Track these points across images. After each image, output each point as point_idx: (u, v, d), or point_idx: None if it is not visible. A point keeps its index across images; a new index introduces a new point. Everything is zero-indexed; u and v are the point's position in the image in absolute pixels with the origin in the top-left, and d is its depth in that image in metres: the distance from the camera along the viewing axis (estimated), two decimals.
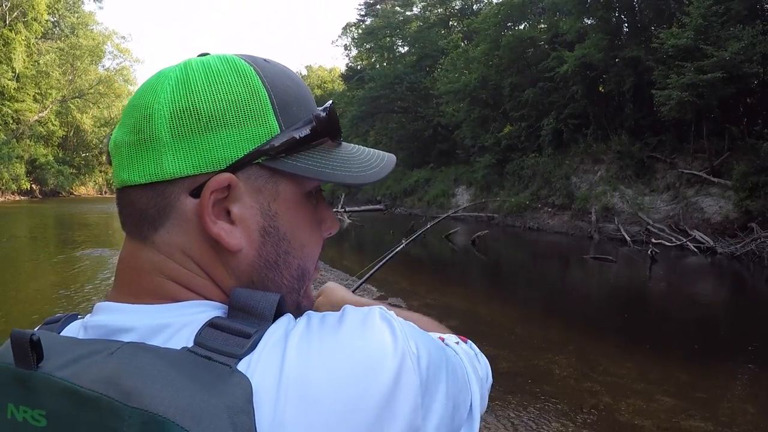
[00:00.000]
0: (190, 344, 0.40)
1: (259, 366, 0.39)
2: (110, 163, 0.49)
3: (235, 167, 0.45)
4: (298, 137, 0.47)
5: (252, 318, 0.42)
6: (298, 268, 0.50)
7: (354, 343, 0.41)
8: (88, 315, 0.49)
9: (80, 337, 0.44)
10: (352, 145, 0.53)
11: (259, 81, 0.47)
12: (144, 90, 0.47)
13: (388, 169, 0.53)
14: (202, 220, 0.45)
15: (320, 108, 0.49)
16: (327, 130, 0.49)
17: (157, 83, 0.46)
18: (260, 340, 0.41)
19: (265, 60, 0.50)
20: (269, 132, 0.46)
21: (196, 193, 0.45)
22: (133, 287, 0.47)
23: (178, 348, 0.40)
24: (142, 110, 0.45)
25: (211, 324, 0.42)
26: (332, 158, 0.49)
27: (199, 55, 0.51)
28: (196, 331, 0.41)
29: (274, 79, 0.48)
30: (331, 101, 0.51)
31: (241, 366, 0.39)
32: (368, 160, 0.52)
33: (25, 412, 0.40)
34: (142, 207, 0.45)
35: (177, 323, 0.43)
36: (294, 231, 0.49)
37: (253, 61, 0.49)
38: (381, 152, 0.55)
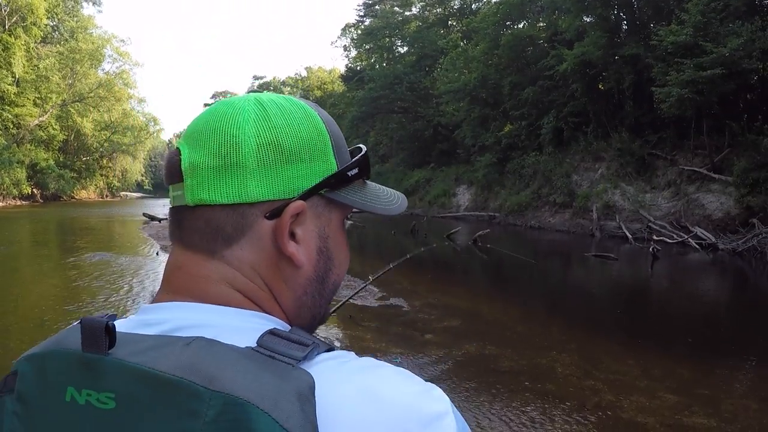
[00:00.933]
0: (253, 345, 0.44)
1: (320, 366, 0.44)
2: (171, 180, 0.53)
3: (304, 196, 0.52)
4: (349, 174, 0.55)
5: (308, 336, 0.47)
6: (335, 283, 0.58)
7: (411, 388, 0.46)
8: (133, 314, 0.53)
9: (143, 332, 0.47)
10: (374, 183, 0.62)
11: (323, 125, 0.55)
12: (220, 118, 0.52)
13: (404, 207, 0.63)
14: (280, 240, 0.51)
15: (361, 153, 0.58)
16: (365, 171, 0.58)
17: (235, 114, 0.51)
18: (318, 351, 0.45)
19: (317, 105, 0.58)
20: (330, 168, 0.54)
21: (270, 216, 0.51)
22: (197, 293, 0.51)
23: (242, 347, 0.44)
24: (227, 138, 0.50)
25: (271, 332, 0.46)
26: (368, 193, 0.59)
27: (252, 91, 0.59)
28: (258, 336, 0.45)
29: (329, 124, 0.56)
30: (365, 148, 0.60)
31: (302, 366, 0.43)
32: (390, 196, 0.62)
33: (89, 395, 0.42)
34: (219, 224, 0.50)
35: (242, 327, 0.48)
36: (337, 251, 0.57)
37: (314, 107, 0.57)
38: (395, 191, 0.65)
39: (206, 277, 0.51)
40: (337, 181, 0.54)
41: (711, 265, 11.57)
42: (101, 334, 0.42)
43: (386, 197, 0.61)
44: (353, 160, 0.56)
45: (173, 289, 0.52)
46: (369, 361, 0.46)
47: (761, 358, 5.37)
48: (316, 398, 0.40)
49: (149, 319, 0.49)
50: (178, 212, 0.52)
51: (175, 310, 0.50)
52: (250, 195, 0.50)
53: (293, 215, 0.51)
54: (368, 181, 0.60)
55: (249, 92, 0.61)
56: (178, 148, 0.53)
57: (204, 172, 0.50)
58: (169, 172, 0.53)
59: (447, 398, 0.47)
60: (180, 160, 0.51)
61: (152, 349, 0.42)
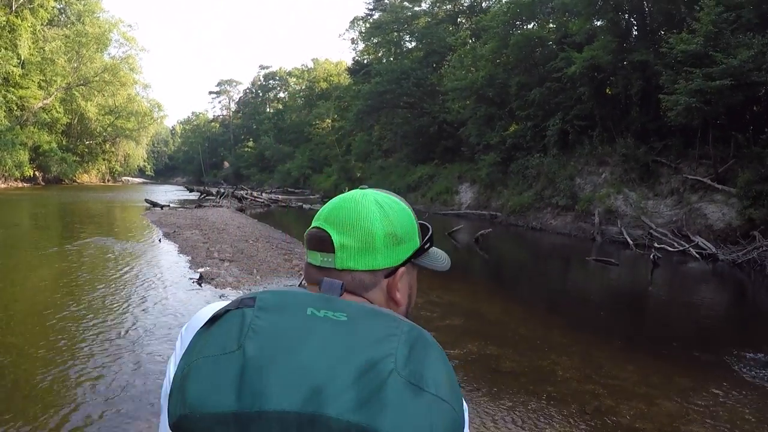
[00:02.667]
0: None
1: None
2: (320, 248, 0.81)
3: (404, 263, 0.84)
4: (425, 247, 0.88)
5: None
6: (412, 310, 0.91)
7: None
8: None
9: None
10: (434, 248, 0.92)
11: (414, 217, 0.87)
12: (357, 216, 0.81)
13: (450, 264, 0.95)
14: (393, 291, 0.83)
15: (429, 233, 0.90)
16: (432, 243, 0.90)
17: (368, 214, 0.81)
18: None
19: (404, 200, 0.90)
20: (416, 245, 0.86)
21: (387, 275, 0.82)
22: None
23: None
24: (366, 231, 0.80)
25: None
26: (433, 257, 0.92)
27: (361, 187, 0.89)
28: None
29: (414, 214, 0.88)
30: (431, 228, 0.91)
31: None
32: (443, 257, 0.94)
33: (326, 312, 0.66)
34: (362, 280, 0.81)
35: None
36: (414, 292, 0.91)
37: (406, 203, 0.89)
38: (443, 252, 0.96)
39: (353, 300, 0.79)
40: (420, 253, 0.87)
41: (710, 276, 11.62)
42: (338, 287, 0.76)
43: (441, 258, 0.94)
44: (427, 237, 0.88)
45: None
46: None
47: (758, 369, 5.43)
48: None
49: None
50: (324, 270, 0.81)
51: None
52: (379, 265, 0.81)
53: (400, 276, 0.83)
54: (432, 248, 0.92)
55: (361, 187, 0.89)
56: (323, 229, 0.81)
57: (351, 251, 0.80)
58: (316, 243, 0.82)
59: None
60: (330, 239, 0.80)
61: (364, 303, 0.72)
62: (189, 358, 0.65)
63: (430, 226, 0.91)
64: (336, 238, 0.80)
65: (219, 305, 0.74)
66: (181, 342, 0.80)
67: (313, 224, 0.84)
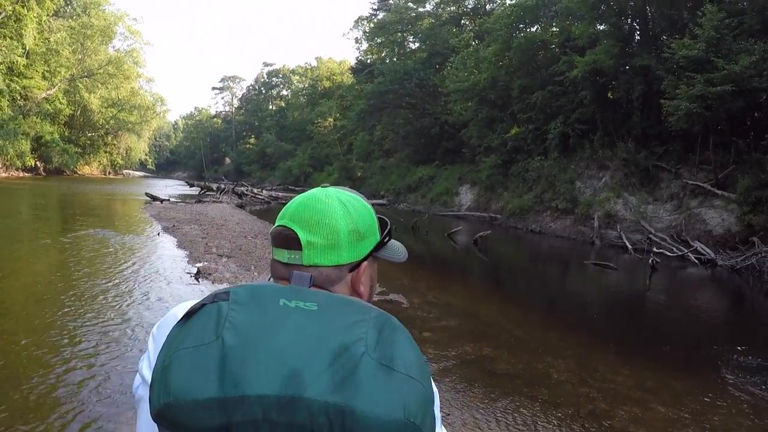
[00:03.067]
0: None
1: None
2: (287, 246, 0.85)
3: (366, 257, 0.89)
4: (384, 241, 0.93)
5: None
6: (374, 294, 0.96)
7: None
8: None
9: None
10: (392, 240, 0.97)
11: (374, 213, 0.92)
12: (322, 214, 0.85)
13: (406, 257, 1.00)
14: (356, 283, 0.89)
15: (388, 227, 0.94)
16: (390, 236, 0.95)
17: (332, 212, 0.85)
18: None
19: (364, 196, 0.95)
20: (377, 239, 0.92)
21: (351, 270, 0.87)
22: None
23: None
24: (331, 228, 0.84)
25: None
26: (391, 249, 0.97)
27: (322, 186, 0.92)
28: None
29: (372, 209, 0.93)
30: (390, 222, 0.95)
31: None
32: (400, 249, 0.99)
33: (297, 303, 0.70)
34: (328, 275, 0.85)
35: None
36: (375, 284, 0.95)
37: (365, 200, 0.93)
38: (400, 244, 1.01)
39: None
40: (379, 246, 0.92)
41: (709, 281, 11.63)
42: (307, 279, 0.80)
43: (399, 250, 0.99)
44: (386, 231, 0.93)
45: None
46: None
47: (754, 375, 5.43)
48: None
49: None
50: (291, 266, 0.85)
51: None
52: (344, 260, 0.86)
53: (363, 269, 0.89)
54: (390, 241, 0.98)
55: (323, 185, 0.92)
56: (289, 227, 0.85)
57: (317, 248, 0.84)
58: (283, 240, 0.85)
59: None
60: (296, 237, 0.84)
61: (333, 293, 0.77)
62: (169, 349, 0.67)
63: (388, 221, 0.95)
64: (302, 236, 0.84)
65: (192, 303, 0.76)
66: (153, 340, 0.83)
67: (278, 223, 0.87)
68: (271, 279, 0.89)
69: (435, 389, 0.77)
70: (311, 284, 0.80)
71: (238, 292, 0.72)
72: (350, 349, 0.65)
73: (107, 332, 5.37)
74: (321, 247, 0.84)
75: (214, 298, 0.71)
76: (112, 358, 4.68)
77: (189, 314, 0.71)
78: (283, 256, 0.85)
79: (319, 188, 0.91)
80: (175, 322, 0.72)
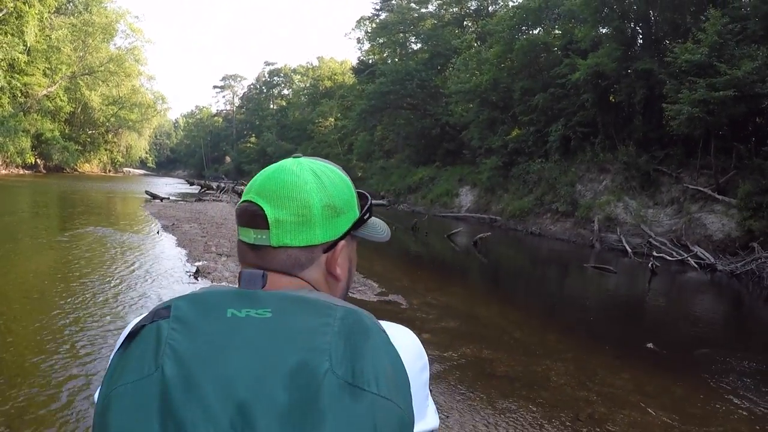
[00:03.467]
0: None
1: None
2: (252, 225, 0.74)
3: (343, 236, 0.78)
4: (364, 218, 0.82)
5: None
6: (352, 280, 0.85)
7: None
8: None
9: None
10: (373, 218, 0.86)
11: (352, 187, 0.81)
12: (292, 188, 0.74)
13: (390, 235, 0.89)
14: (332, 266, 0.77)
15: (369, 202, 0.83)
16: (371, 213, 0.84)
17: (303, 185, 0.74)
18: None
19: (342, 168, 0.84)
20: (355, 216, 0.80)
21: (325, 250, 0.76)
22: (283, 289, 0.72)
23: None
24: (302, 203, 0.73)
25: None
26: (372, 227, 0.85)
27: (294, 156, 0.81)
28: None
29: (350, 181, 0.82)
30: (370, 197, 0.84)
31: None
32: (382, 227, 0.88)
33: (248, 311, 0.62)
34: (297, 257, 0.74)
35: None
36: (353, 266, 0.84)
37: (343, 171, 0.82)
38: (383, 222, 0.90)
39: (289, 284, 0.74)
40: (359, 224, 0.81)
41: (708, 286, 11.61)
42: (259, 278, 0.70)
43: (381, 229, 0.87)
44: (366, 207, 0.82)
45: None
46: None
47: (753, 381, 5.42)
48: None
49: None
50: (259, 248, 0.74)
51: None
52: (317, 240, 0.75)
53: (340, 250, 0.77)
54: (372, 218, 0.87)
55: (295, 156, 0.82)
56: (255, 203, 0.74)
57: (287, 226, 0.73)
58: (248, 218, 0.74)
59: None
60: (263, 213, 0.73)
61: (290, 290, 0.68)
62: (108, 386, 0.60)
63: (369, 195, 0.85)
64: (270, 213, 0.73)
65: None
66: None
67: (244, 197, 0.76)
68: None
69: (428, 398, 0.73)
70: (266, 280, 0.70)
71: (180, 306, 0.63)
72: (310, 366, 0.56)
73: (105, 332, 5.35)
74: (291, 225, 0.73)
75: (154, 316, 0.63)
76: (102, 356, 4.66)
77: (130, 337, 0.63)
78: (249, 236, 0.74)
79: (291, 158, 0.80)
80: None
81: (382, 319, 0.71)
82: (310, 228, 0.73)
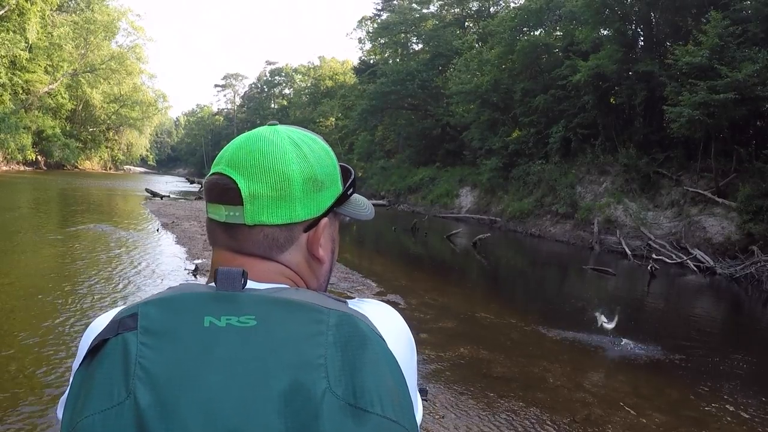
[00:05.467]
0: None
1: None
2: (223, 200, 0.65)
3: (326, 213, 0.69)
4: (347, 193, 0.73)
5: None
6: (335, 261, 0.78)
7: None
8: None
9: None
10: (356, 194, 0.78)
11: (335, 158, 0.72)
12: (268, 157, 0.65)
13: (374, 214, 0.81)
14: (314, 246, 0.69)
15: (352, 176, 0.75)
16: (354, 188, 0.75)
17: (281, 154, 0.65)
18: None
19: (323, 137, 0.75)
20: (338, 190, 0.71)
21: (306, 229, 0.68)
22: (262, 281, 0.65)
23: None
24: (281, 176, 0.64)
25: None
26: (356, 204, 0.76)
27: (270, 124, 0.71)
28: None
29: (333, 154, 0.73)
30: (353, 170, 0.76)
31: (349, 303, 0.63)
32: (365, 205, 0.79)
33: (228, 319, 0.54)
34: (275, 238, 0.65)
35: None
36: (336, 247, 0.76)
37: (324, 141, 0.73)
38: (366, 199, 0.81)
39: (267, 272, 0.66)
40: (342, 200, 0.72)
41: (707, 289, 11.60)
42: (238, 277, 0.58)
43: (364, 206, 0.79)
44: (350, 182, 0.74)
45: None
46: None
47: (749, 383, 5.42)
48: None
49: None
50: (231, 227, 0.65)
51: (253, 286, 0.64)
52: (298, 217, 0.66)
53: (323, 228, 0.69)
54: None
55: (271, 123, 0.72)
56: (226, 175, 0.65)
57: (263, 201, 0.64)
58: (219, 193, 0.65)
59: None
60: (236, 187, 0.64)
61: (273, 291, 0.59)
62: (73, 413, 0.52)
63: (352, 169, 0.76)
64: (244, 186, 0.63)
65: (109, 319, 0.59)
66: (73, 366, 0.63)
67: (213, 170, 0.67)
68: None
69: (419, 408, 0.66)
70: (246, 280, 0.59)
71: (148, 314, 0.55)
72: (306, 385, 0.50)
73: None
74: (268, 200, 0.64)
75: (119, 327, 0.55)
76: None
77: (92, 352, 0.55)
78: (220, 213, 0.65)
79: (266, 126, 0.71)
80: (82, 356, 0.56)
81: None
82: (289, 203, 0.65)
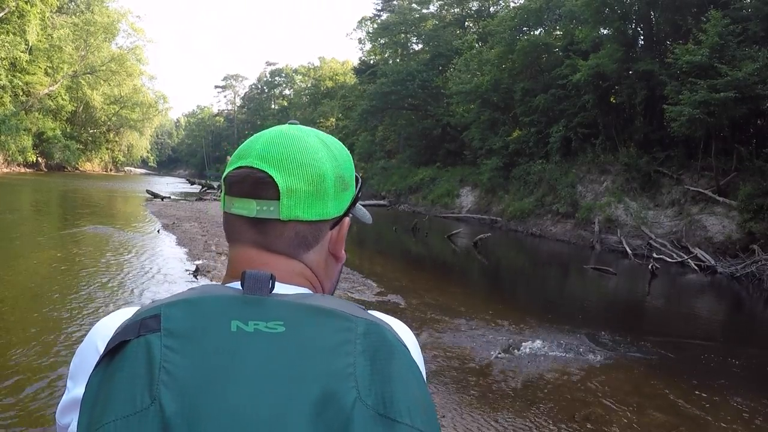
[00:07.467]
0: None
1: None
2: (256, 195, 0.63)
3: (346, 212, 0.70)
4: (358, 196, 0.74)
5: None
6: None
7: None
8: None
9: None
10: None
11: (352, 160, 0.74)
12: (304, 153, 0.65)
13: (371, 220, 0.83)
14: (337, 244, 0.71)
15: (360, 182, 0.76)
16: (360, 192, 0.76)
17: (315, 151, 0.66)
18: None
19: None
20: (353, 192, 0.72)
21: (332, 227, 0.69)
22: (285, 283, 0.64)
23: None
24: (317, 172, 0.65)
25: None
26: (359, 207, 0.77)
27: (290, 123, 0.73)
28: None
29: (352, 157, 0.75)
30: (360, 177, 0.77)
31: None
32: (364, 210, 0.81)
33: (256, 324, 0.53)
34: (306, 235, 0.65)
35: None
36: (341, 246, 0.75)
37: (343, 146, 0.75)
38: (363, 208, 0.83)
39: (290, 272, 0.65)
40: (355, 202, 0.73)
41: (708, 288, 11.60)
42: (266, 281, 0.57)
43: (363, 211, 0.81)
44: (360, 185, 0.75)
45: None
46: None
47: (750, 383, 5.41)
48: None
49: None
50: (261, 223, 0.64)
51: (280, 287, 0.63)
52: (329, 214, 0.67)
53: (347, 226, 0.71)
54: None
55: (291, 122, 0.73)
56: (258, 168, 0.63)
57: (300, 196, 0.63)
58: (252, 187, 0.63)
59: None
60: (273, 181, 0.63)
61: (301, 297, 0.58)
62: (92, 417, 0.49)
63: (360, 176, 0.78)
64: (281, 181, 0.62)
65: (119, 320, 0.58)
66: (71, 379, 0.61)
67: (241, 163, 0.65)
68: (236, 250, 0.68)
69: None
70: (274, 283, 0.58)
71: (172, 316, 0.53)
72: (337, 395, 0.49)
73: None
74: (305, 196, 0.63)
75: (140, 329, 0.53)
76: None
77: (111, 352, 0.52)
78: (250, 207, 0.63)
79: (287, 124, 0.71)
80: (96, 358, 0.54)
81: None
82: (323, 200, 0.65)
